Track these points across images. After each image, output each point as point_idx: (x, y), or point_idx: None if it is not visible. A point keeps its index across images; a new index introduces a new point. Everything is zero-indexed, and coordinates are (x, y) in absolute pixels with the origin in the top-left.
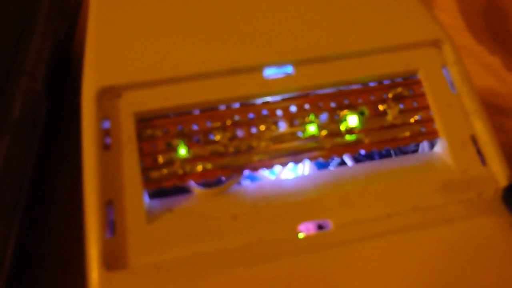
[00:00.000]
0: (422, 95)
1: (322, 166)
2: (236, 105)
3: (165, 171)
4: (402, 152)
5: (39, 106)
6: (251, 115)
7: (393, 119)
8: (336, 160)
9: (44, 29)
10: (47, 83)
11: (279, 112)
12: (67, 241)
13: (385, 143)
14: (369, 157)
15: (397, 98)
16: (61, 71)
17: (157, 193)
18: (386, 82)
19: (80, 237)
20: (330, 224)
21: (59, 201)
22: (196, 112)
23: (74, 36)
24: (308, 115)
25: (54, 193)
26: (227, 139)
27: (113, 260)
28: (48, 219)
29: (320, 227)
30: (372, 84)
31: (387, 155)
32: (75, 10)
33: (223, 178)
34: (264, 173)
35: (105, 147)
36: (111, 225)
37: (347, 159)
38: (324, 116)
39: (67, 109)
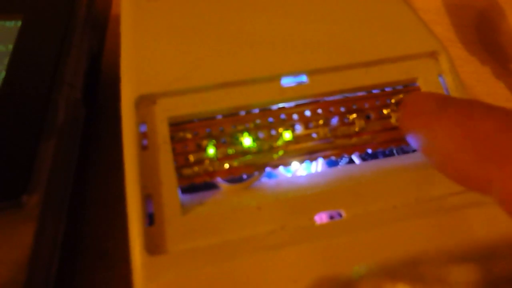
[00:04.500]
0: None
1: (332, 164)
2: (256, 111)
3: (196, 168)
4: (404, 151)
5: (79, 113)
6: (270, 119)
7: (396, 122)
8: (345, 159)
9: (80, 44)
10: (84, 92)
11: (295, 116)
12: (99, 235)
13: (389, 143)
14: (374, 156)
15: (399, 103)
16: (94, 79)
17: (188, 189)
18: (389, 89)
19: (111, 232)
20: (343, 213)
21: (91, 198)
22: (222, 116)
23: (103, 48)
24: (321, 119)
25: (87, 190)
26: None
27: (153, 247)
28: (82, 215)
29: (331, 217)
30: (376, 91)
31: (390, 154)
32: (104, 24)
33: (245, 176)
34: (282, 170)
35: (143, 148)
36: (150, 216)
37: (355, 157)
38: (335, 120)
39: (96, 113)
